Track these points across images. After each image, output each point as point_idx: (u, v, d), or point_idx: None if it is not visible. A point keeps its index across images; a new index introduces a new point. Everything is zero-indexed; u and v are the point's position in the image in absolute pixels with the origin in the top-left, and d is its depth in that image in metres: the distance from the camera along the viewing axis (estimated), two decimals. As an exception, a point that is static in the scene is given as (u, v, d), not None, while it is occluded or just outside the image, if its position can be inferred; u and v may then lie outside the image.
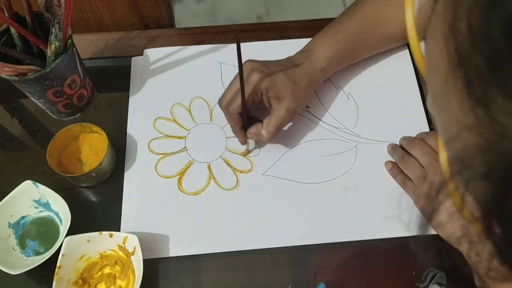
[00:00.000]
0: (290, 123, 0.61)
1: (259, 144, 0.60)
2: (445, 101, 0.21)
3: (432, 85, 0.23)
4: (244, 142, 0.58)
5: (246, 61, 0.54)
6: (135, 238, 0.49)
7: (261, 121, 0.56)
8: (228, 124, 0.58)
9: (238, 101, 0.53)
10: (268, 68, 0.54)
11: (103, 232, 0.50)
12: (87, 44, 0.68)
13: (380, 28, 0.61)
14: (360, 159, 0.59)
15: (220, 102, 0.56)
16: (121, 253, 0.51)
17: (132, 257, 0.51)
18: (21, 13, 0.55)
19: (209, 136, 0.61)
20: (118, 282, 0.51)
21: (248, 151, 0.60)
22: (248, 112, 0.55)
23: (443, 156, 0.26)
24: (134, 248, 0.50)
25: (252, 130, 0.56)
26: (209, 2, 1.65)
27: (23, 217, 0.54)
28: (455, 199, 0.25)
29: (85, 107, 0.63)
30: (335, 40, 0.58)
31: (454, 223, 0.48)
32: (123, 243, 0.50)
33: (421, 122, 0.61)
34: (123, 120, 0.62)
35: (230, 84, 0.55)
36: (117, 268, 0.51)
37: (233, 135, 0.61)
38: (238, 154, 0.60)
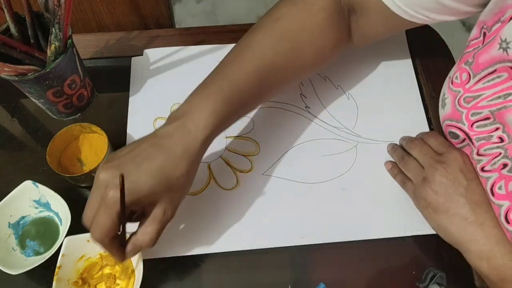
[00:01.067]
0: (291, 123, 0.61)
1: (259, 144, 0.60)
2: None
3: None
4: (124, 260, 0.45)
5: (99, 171, 0.42)
6: (135, 238, 0.49)
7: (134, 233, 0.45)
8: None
9: (100, 224, 0.41)
10: (128, 172, 0.40)
11: (103, 232, 0.50)
12: (87, 44, 0.68)
13: (275, 76, 0.50)
14: (360, 159, 0.59)
15: (84, 221, 0.44)
16: (121, 253, 0.51)
17: (132, 258, 0.50)
18: (21, 13, 0.55)
19: (209, 136, 0.61)
20: (118, 282, 0.51)
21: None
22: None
23: None
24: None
25: (129, 248, 0.44)
26: (209, 2, 1.65)
27: (23, 217, 0.54)
28: None
29: (85, 107, 0.63)
30: (221, 97, 0.45)
31: (454, 226, 0.48)
32: (123, 243, 0.50)
33: (421, 122, 0.61)
34: (123, 120, 0.62)
35: (88, 201, 0.43)
36: (117, 268, 0.51)
37: (234, 135, 0.61)
38: (238, 154, 0.60)
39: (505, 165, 0.46)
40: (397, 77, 0.65)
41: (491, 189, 0.47)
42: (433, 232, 0.52)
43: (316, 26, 0.51)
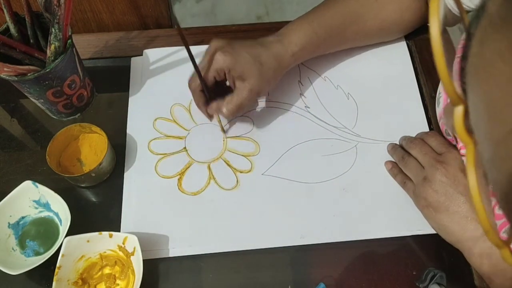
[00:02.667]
0: (291, 123, 0.61)
1: (259, 144, 0.60)
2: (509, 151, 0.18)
3: (487, 132, 0.20)
4: (210, 117, 0.59)
5: (212, 40, 0.54)
6: (135, 238, 0.49)
7: (222, 99, 0.56)
8: (228, 123, 0.59)
9: (197, 81, 0.54)
10: (233, 47, 0.53)
11: (103, 232, 0.50)
12: (87, 44, 0.68)
13: (357, 23, 0.60)
14: (360, 159, 0.59)
15: (189, 81, 0.57)
16: (121, 253, 0.51)
17: (132, 257, 0.50)
18: (20, 13, 0.55)
19: (209, 136, 0.61)
20: (118, 282, 0.51)
21: (223, 129, 0.61)
22: (211, 90, 0.56)
23: (472, 182, 0.23)
24: (134, 248, 0.50)
25: (213, 105, 0.56)
26: (209, 2, 1.65)
27: (23, 217, 0.54)
28: (484, 225, 0.23)
29: (85, 107, 0.63)
30: (312, 28, 0.57)
31: (455, 224, 0.48)
32: (123, 243, 0.50)
33: (421, 122, 0.61)
34: (123, 120, 0.62)
35: (200, 61, 0.55)
36: (117, 268, 0.51)
37: (234, 135, 0.61)
38: (238, 154, 0.60)
39: None
40: (397, 77, 0.65)
41: None
42: (433, 232, 0.52)
43: None
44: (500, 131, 0.18)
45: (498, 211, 0.46)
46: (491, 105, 0.19)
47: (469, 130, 0.22)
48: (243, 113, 0.62)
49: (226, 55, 0.53)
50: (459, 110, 0.22)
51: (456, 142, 0.50)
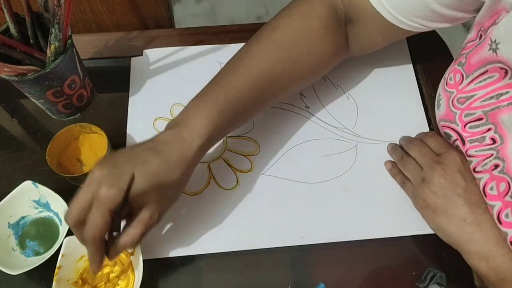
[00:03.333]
0: (291, 123, 0.61)
1: (259, 144, 0.60)
2: None
3: None
4: (99, 270, 0.44)
5: (94, 169, 0.42)
6: (135, 238, 0.49)
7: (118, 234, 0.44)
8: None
9: (98, 225, 0.40)
10: (118, 173, 0.41)
11: (103, 233, 0.50)
12: (87, 45, 0.68)
13: (287, 74, 0.51)
14: (360, 159, 0.59)
15: (66, 218, 0.42)
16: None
17: (132, 258, 0.50)
18: (20, 14, 0.55)
19: (209, 136, 0.61)
20: (118, 282, 0.51)
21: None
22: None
23: None
24: (134, 248, 0.50)
25: (111, 251, 0.44)
26: (209, 2, 1.65)
27: (23, 217, 0.54)
28: None
29: (85, 107, 0.63)
30: (217, 109, 0.46)
31: (453, 226, 0.48)
32: (123, 243, 0.50)
33: (421, 122, 0.61)
34: (123, 121, 0.62)
35: (77, 197, 0.42)
36: (117, 268, 0.51)
37: (233, 135, 0.61)
38: (238, 154, 0.60)
39: (496, 166, 0.46)
40: (397, 77, 0.65)
41: (483, 190, 0.47)
42: (433, 232, 0.52)
43: (312, 35, 0.51)
44: None
45: (491, 191, 0.46)
46: None
47: None
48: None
49: (115, 190, 0.40)
50: None
51: (464, 144, 0.49)
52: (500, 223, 0.45)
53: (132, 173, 0.41)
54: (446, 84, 0.51)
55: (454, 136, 0.50)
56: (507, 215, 0.44)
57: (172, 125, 0.46)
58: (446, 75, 0.52)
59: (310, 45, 0.52)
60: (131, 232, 0.43)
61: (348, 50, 0.57)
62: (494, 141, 0.46)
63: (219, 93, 0.47)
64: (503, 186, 0.45)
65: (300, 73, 0.53)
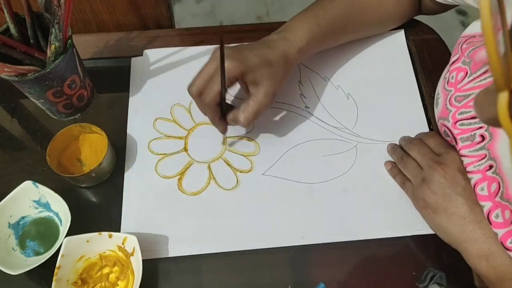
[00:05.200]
0: (291, 123, 0.61)
1: (259, 144, 0.60)
2: None
3: None
4: (225, 131, 0.57)
5: (217, 48, 0.51)
6: (135, 238, 0.49)
7: (235, 107, 0.55)
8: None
9: (214, 89, 0.51)
10: (241, 53, 0.52)
11: (103, 233, 0.50)
12: (87, 45, 0.68)
13: (358, 16, 0.61)
14: (360, 159, 0.59)
15: (190, 90, 0.53)
16: (120, 253, 0.51)
17: (131, 258, 0.50)
18: (20, 14, 0.55)
19: (209, 136, 0.61)
20: (118, 282, 0.51)
21: (226, 139, 0.60)
22: (224, 100, 0.54)
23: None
24: (134, 249, 0.50)
25: (230, 116, 0.54)
26: (209, 2, 1.65)
27: (23, 217, 0.54)
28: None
29: (85, 107, 0.63)
30: (315, 21, 0.57)
31: (453, 225, 0.48)
32: (123, 243, 0.50)
33: (421, 122, 0.61)
34: (123, 121, 0.62)
35: (201, 70, 0.53)
36: (117, 268, 0.51)
37: (234, 135, 0.61)
38: (238, 154, 0.60)
39: (490, 167, 0.46)
40: (396, 77, 0.65)
41: (473, 190, 0.47)
42: (433, 232, 0.52)
43: None
44: None
45: (481, 191, 0.46)
46: None
47: None
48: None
49: (236, 62, 0.51)
50: (504, 96, 0.20)
51: (456, 142, 0.50)
52: (490, 223, 0.45)
53: (249, 54, 0.52)
54: (447, 83, 0.51)
55: (450, 134, 0.51)
56: (496, 216, 0.45)
57: (277, 32, 0.57)
58: (447, 74, 0.52)
59: None
60: (248, 108, 0.53)
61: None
62: (483, 138, 0.46)
63: (319, 11, 0.58)
64: (494, 186, 0.45)
65: (384, 10, 0.62)
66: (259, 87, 0.52)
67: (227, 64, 0.50)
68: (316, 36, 0.57)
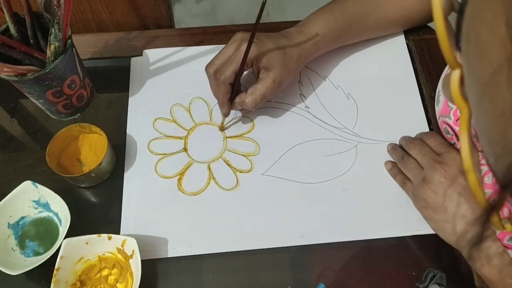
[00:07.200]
0: (291, 123, 0.61)
1: (259, 144, 0.60)
2: (495, 92, 0.20)
3: (475, 73, 0.21)
4: (228, 113, 0.58)
5: (238, 32, 0.55)
6: (134, 241, 0.49)
7: (244, 91, 0.56)
8: (229, 122, 0.59)
9: (231, 69, 0.54)
10: (259, 39, 0.54)
11: (102, 235, 0.50)
12: (87, 45, 0.68)
13: (378, 11, 0.61)
14: (360, 159, 0.59)
15: (207, 69, 0.56)
16: (119, 256, 0.51)
17: (130, 260, 0.50)
18: (20, 14, 0.55)
19: (209, 136, 0.61)
20: (116, 285, 0.51)
21: (223, 126, 0.61)
22: (238, 83, 0.56)
23: (464, 145, 0.24)
24: (133, 251, 0.50)
25: (237, 99, 0.57)
26: (209, 2, 1.65)
27: (23, 217, 0.54)
28: (475, 189, 0.24)
29: (85, 107, 0.63)
30: (333, 17, 0.59)
31: (454, 225, 0.48)
32: (122, 246, 0.50)
33: (421, 122, 0.61)
34: (122, 121, 0.62)
35: (220, 52, 0.56)
36: (116, 271, 0.51)
37: (233, 135, 0.61)
38: (238, 154, 0.60)
39: None
40: (397, 77, 0.65)
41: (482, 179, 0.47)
42: (433, 232, 0.52)
43: None
44: (486, 73, 0.20)
45: (487, 180, 0.46)
46: (480, 48, 0.20)
47: (464, 95, 0.23)
48: (245, 112, 0.62)
49: (254, 45, 0.53)
50: (456, 74, 0.23)
51: (458, 139, 0.50)
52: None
53: (267, 40, 0.54)
54: None
55: (451, 131, 0.51)
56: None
57: (296, 26, 0.59)
58: (448, 71, 0.52)
59: None
60: (256, 91, 0.55)
61: None
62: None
63: (335, 7, 0.60)
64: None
65: (404, 3, 0.62)
66: (270, 72, 0.54)
67: (244, 46, 0.52)
68: (333, 31, 0.59)
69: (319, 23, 0.58)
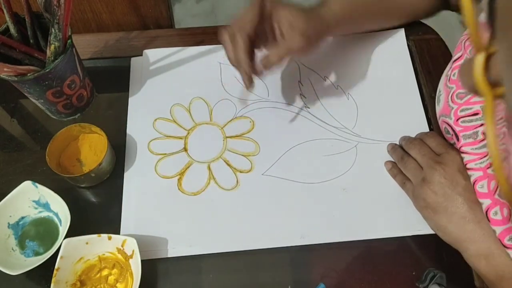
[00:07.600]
0: (291, 123, 0.61)
1: (259, 144, 0.60)
2: None
3: (507, 42, 0.20)
4: (249, 74, 0.53)
5: None
6: (134, 241, 0.49)
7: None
8: (226, 117, 0.59)
9: (247, 18, 0.51)
10: (281, 1, 0.53)
11: (102, 235, 0.50)
12: (87, 45, 0.68)
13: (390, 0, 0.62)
14: (360, 159, 0.59)
15: (232, 23, 0.53)
16: (119, 256, 0.51)
17: (130, 260, 0.50)
18: (20, 14, 0.55)
19: (209, 136, 0.61)
20: (116, 285, 0.51)
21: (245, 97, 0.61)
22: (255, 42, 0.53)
23: (489, 132, 0.23)
24: (133, 251, 0.50)
25: (262, 60, 0.53)
26: (209, 2, 1.65)
27: (23, 217, 0.54)
28: (500, 180, 0.24)
29: (85, 107, 0.63)
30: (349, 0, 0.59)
31: (453, 225, 0.48)
32: (122, 246, 0.50)
33: (421, 122, 0.61)
34: (122, 121, 0.62)
35: (246, 8, 0.53)
36: (116, 271, 0.51)
37: (233, 135, 0.61)
38: (238, 154, 0.60)
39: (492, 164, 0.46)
40: (397, 77, 0.65)
41: (473, 187, 0.47)
42: (432, 232, 0.52)
43: None
44: None
45: (480, 189, 0.46)
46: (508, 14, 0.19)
47: (489, 80, 0.22)
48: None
49: (279, 5, 0.52)
50: (480, 58, 0.22)
51: (458, 139, 0.50)
52: (489, 220, 0.45)
53: (290, 4, 0.53)
54: (449, 80, 0.52)
55: (451, 131, 0.51)
56: (495, 213, 0.45)
57: (314, 4, 0.57)
58: (449, 72, 0.53)
59: None
60: (277, 51, 0.52)
61: None
62: (486, 135, 0.46)
63: None
64: (493, 184, 0.46)
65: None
66: (295, 29, 0.51)
67: (271, 5, 0.52)
68: (351, 12, 0.59)
69: (336, 4, 0.57)
